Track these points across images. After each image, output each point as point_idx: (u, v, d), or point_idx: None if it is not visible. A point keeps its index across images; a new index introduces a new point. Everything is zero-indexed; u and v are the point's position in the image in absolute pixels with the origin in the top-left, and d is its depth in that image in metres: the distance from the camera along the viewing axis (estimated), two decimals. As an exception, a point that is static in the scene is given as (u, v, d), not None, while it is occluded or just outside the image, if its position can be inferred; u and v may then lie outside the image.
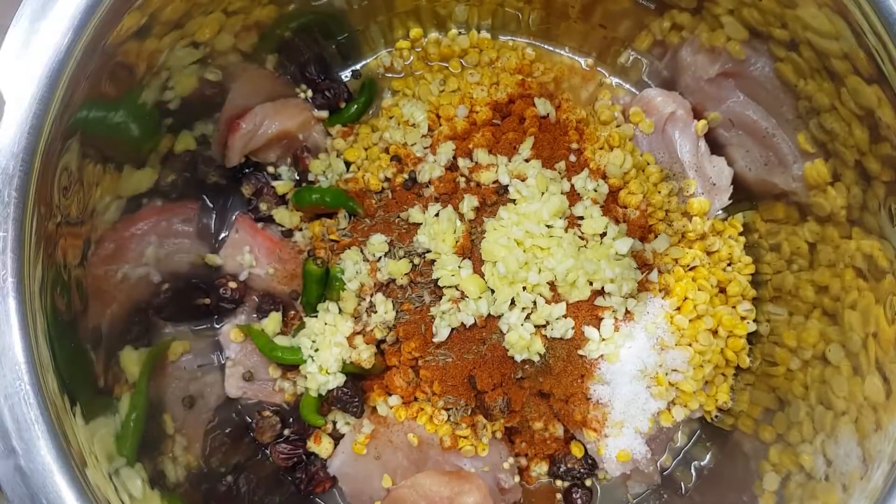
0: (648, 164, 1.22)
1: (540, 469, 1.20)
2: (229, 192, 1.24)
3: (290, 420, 1.20)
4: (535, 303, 1.09)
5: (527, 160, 1.16)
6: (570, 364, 1.11)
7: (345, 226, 1.18)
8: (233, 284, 1.19)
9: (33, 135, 0.80)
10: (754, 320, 1.19)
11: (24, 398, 0.78)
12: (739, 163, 1.20)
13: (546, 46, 1.29)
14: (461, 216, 1.13)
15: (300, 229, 1.22)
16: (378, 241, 1.14)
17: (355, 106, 1.24)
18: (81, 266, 0.92)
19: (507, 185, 1.13)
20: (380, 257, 1.14)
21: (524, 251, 1.09)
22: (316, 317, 1.14)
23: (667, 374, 1.13)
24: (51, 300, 0.84)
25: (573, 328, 1.09)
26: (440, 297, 1.11)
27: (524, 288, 1.08)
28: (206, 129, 1.15)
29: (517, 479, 1.18)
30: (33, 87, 0.80)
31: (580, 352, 1.10)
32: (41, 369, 0.80)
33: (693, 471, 1.23)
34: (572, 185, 1.14)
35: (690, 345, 1.14)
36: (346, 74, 1.30)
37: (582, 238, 1.12)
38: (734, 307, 1.19)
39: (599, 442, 1.12)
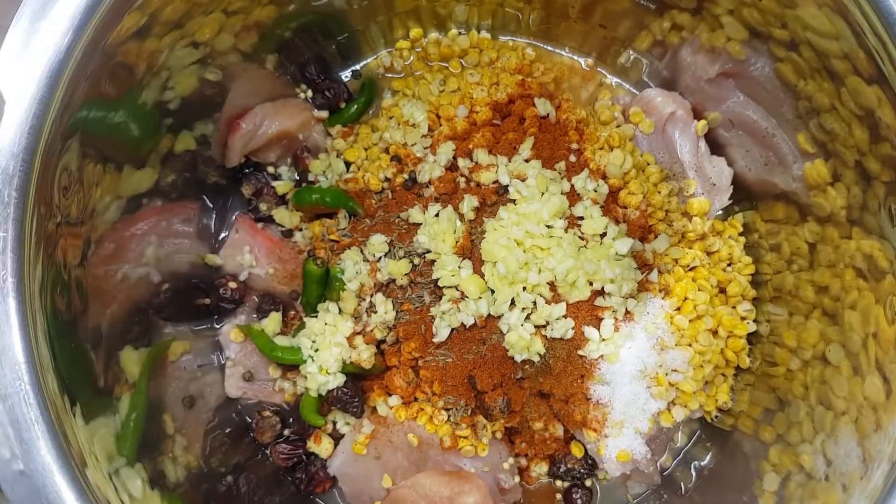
0: (648, 164, 1.21)
1: (540, 469, 1.20)
2: (229, 192, 1.24)
3: (290, 420, 1.20)
4: (535, 303, 1.09)
5: (527, 160, 1.15)
6: (570, 364, 1.11)
7: (345, 226, 1.18)
8: (233, 284, 1.19)
9: (33, 135, 0.80)
10: (754, 320, 1.19)
11: (24, 398, 0.78)
12: (739, 163, 1.20)
13: (546, 46, 1.29)
14: (461, 216, 1.13)
15: (300, 229, 1.22)
16: (378, 242, 1.14)
17: (355, 106, 1.24)
18: (81, 266, 0.92)
19: (507, 186, 1.13)
20: (380, 257, 1.14)
21: (524, 251, 1.09)
22: (316, 317, 1.14)
23: (667, 374, 1.13)
24: (51, 300, 0.84)
25: (573, 328, 1.09)
26: (440, 298, 1.11)
27: (524, 288, 1.08)
28: (206, 129, 1.15)
29: (517, 479, 1.18)
30: (33, 87, 0.80)
31: (580, 352, 1.10)
32: (41, 369, 0.80)
33: (693, 471, 1.23)
34: (572, 186, 1.14)
35: (690, 345, 1.14)
36: (346, 74, 1.30)
37: (582, 238, 1.12)
38: (734, 307, 1.19)
39: (599, 442, 1.12)
